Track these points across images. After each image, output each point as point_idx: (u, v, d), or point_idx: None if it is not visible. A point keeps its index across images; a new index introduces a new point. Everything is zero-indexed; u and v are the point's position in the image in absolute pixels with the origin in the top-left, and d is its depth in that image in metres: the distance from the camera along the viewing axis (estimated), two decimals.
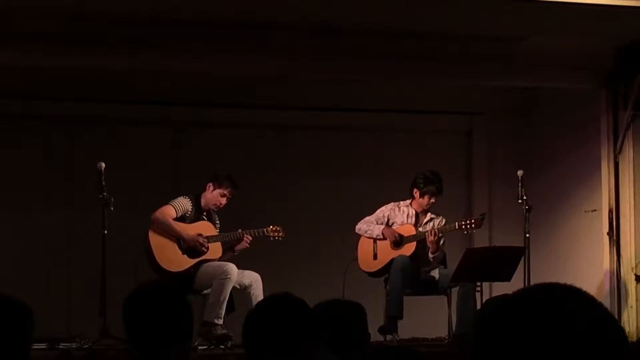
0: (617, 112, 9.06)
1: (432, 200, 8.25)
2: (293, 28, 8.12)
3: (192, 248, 7.94)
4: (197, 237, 7.93)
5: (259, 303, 3.33)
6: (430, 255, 8.17)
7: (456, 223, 8.13)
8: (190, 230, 7.96)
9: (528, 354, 1.47)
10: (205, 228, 8.05)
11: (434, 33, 8.34)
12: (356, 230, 8.41)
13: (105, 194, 7.63)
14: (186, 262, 7.92)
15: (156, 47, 8.21)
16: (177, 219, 7.93)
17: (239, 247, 8.10)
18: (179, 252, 7.92)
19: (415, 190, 8.29)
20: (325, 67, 8.65)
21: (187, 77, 9.23)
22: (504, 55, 8.74)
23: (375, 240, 8.33)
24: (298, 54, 8.44)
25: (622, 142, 8.97)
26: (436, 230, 8.12)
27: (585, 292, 1.54)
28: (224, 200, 8.03)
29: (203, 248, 7.93)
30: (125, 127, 9.83)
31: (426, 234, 8.12)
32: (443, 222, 8.35)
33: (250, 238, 8.05)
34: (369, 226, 8.36)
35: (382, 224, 8.35)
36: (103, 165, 7.67)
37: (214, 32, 8.13)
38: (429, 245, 8.12)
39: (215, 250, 8.01)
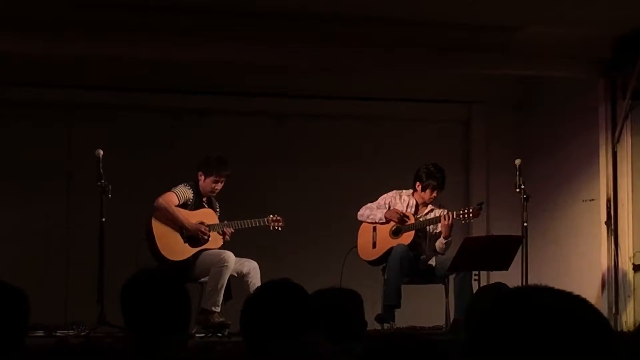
0: (616, 102, 9.05)
1: (434, 194, 8.22)
2: (292, 16, 8.11)
3: (193, 237, 7.93)
4: (199, 227, 7.91)
5: (258, 288, 3.32)
6: (443, 241, 8.12)
7: (454, 212, 8.11)
8: (192, 218, 7.94)
9: (518, 345, 1.57)
10: (207, 215, 8.03)
11: (433, 21, 8.32)
12: (358, 217, 8.39)
13: (103, 181, 7.61)
14: (188, 251, 7.89)
15: (156, 35, 8.20)
16: (179, 206, 7.90)
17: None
18: (181, 240, 7.89)
19: (417, 183, 8.27)
20: (324, 55, 8.63)
21: (187, 64, 9.21)
22: (503, 44, 8.72)
23: (375, 228, 8.32)
24: (297, 42, 8.42)
25: (621, 132, 8.97)
26: (453, 214, 8.03)
27: (579, 296, 1.63)
28: (218, 186, 7.98)
29: (205, 237, 7.93)
30: (125, 114, 9.82)
31: (441, 217, 8.06)
32: (445, 213, 8.32)
33: (232, 230, 8.02)
34: (371, 211, 8.35)
35: None
36: (101, 152, 7.66)
37: (213, 20, 8.12)
38: (442, 229, 8.07)
39: (215, 239, 7.99)
